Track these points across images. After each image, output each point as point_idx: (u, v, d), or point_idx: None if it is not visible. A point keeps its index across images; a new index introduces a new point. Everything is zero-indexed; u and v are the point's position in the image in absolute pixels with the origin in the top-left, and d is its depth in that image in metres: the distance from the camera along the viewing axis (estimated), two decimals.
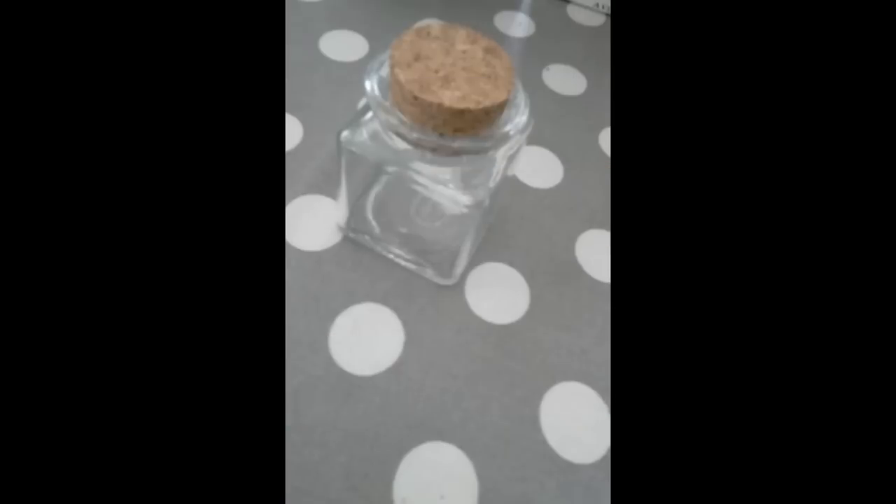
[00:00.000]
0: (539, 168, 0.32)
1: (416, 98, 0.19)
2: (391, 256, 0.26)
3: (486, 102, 0.19)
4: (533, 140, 0.33)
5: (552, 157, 0.32)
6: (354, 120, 0.22)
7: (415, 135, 0.19)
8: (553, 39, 0.40)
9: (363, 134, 0.22)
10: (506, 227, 0.28)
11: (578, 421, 0.23)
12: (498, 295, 0.26)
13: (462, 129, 0.19)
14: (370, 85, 0.20)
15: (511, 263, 0.27)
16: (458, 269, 0.25)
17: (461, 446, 0.21)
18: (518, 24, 0.41)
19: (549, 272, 0.27)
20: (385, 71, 0.21)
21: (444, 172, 0.21)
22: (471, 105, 0.19)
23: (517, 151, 0.22)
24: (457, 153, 0.20)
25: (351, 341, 0.23)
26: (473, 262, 0.27)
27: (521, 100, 0.21)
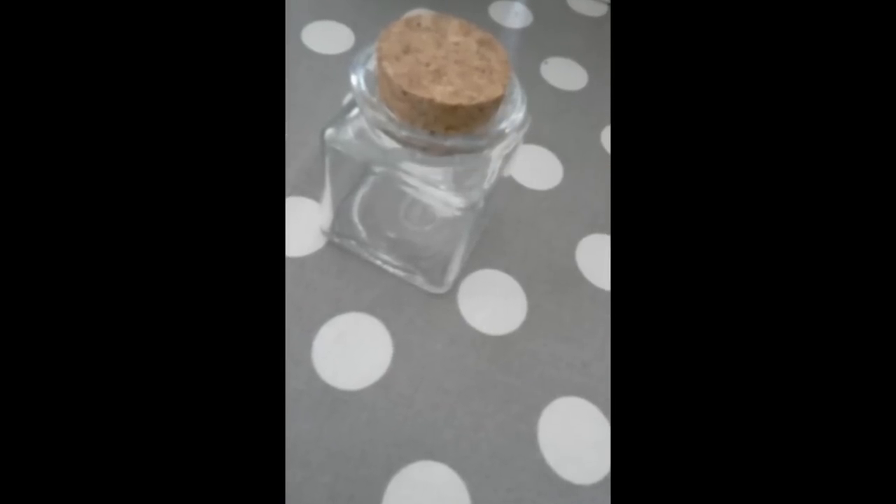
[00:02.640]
0: (537, 168, 0.32)
1: (405, 93, 0.19)
2: (379, 263, 0.26)
3: (481, 98, 0.19)
4: (530, 138, 0.33)
5: (551, 156, 0.33)
6: (339, 117, 0.22)
7: (404, 133, 0.19)
8: (552, 31, 0.40)
9: (349, 132, 0.22)
10: (501, 231, 0.28)
11: (579, 439, 0.23)
12: (493, 304, 0.26)
13: (454, 127, 0.19)
14: (356, 79, 0.20)
15: (507, 270, 0.27)
16: (451, 277, 0.25)
17: (453, 466, 0.21)
18: (515, 15, 0.41)
19: (548, 280, 0.27)
20: (372, 64, 0.21)
21: (436, 173, 0.21)
22: (464, 101, 0.19)
23: (513, 150, 0.22)
24: (449, 152, 0.20)
25: (335, 353, 0.23)
26: (467, 269, 0.27)
27: (518, 95, 0.21)
